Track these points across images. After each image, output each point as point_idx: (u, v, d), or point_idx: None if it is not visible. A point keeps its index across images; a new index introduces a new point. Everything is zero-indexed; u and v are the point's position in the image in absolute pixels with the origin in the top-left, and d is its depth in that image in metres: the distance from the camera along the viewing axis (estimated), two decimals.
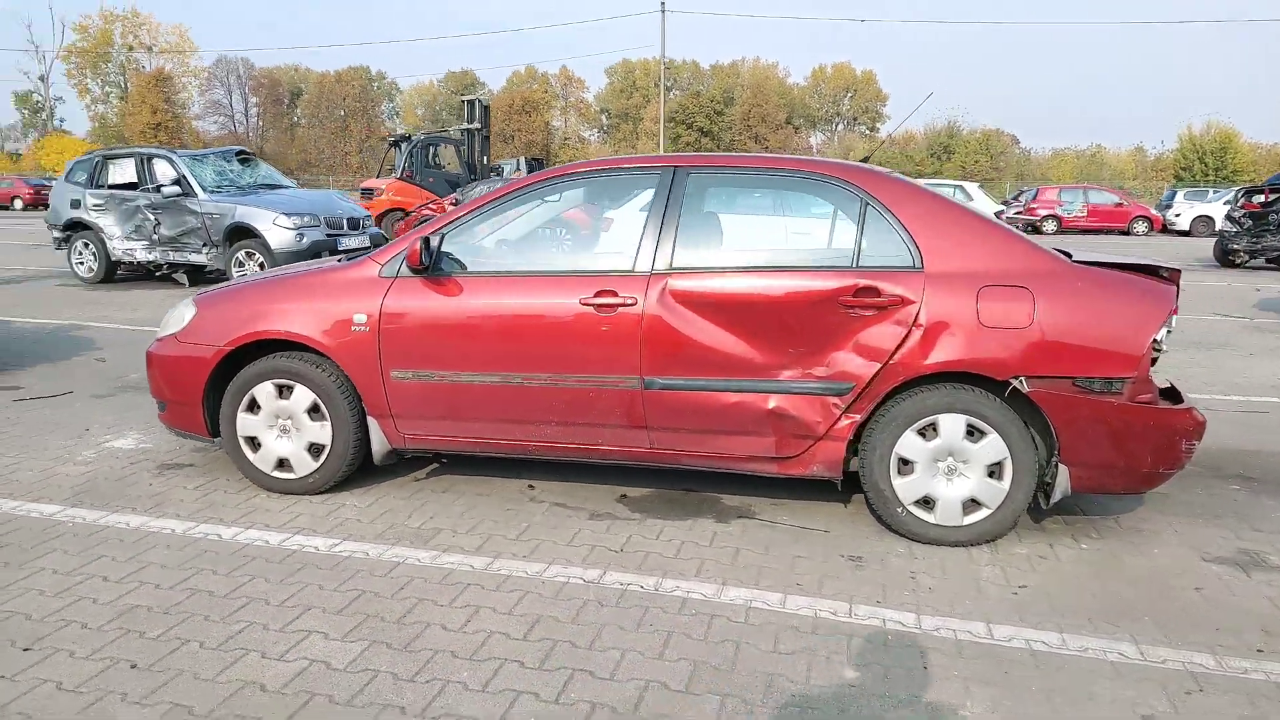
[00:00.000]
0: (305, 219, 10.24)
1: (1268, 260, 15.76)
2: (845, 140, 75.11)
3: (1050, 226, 28.10)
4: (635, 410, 3.61)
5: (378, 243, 9.33)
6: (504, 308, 3.65)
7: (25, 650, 2.62)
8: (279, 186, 11.50)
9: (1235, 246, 15.62)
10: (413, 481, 4.15)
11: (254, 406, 3.87)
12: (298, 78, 77.98)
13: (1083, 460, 3.42)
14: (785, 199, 4.00)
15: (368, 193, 18.47)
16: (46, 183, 36.02)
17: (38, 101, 64.02)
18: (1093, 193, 30.24)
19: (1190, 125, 49.36)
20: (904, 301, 3.40)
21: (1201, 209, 27.76)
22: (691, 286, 3.53)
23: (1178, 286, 3.52)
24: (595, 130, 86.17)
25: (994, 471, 3.45)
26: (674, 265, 3.59)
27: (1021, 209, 28.85)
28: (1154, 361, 3.74)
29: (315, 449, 3.85)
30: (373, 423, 3.83)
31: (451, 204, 13.34)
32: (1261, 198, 15.30)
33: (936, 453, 3.47)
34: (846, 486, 3.82)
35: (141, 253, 10.94)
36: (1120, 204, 29.60)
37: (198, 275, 11.36)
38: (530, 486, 4.11)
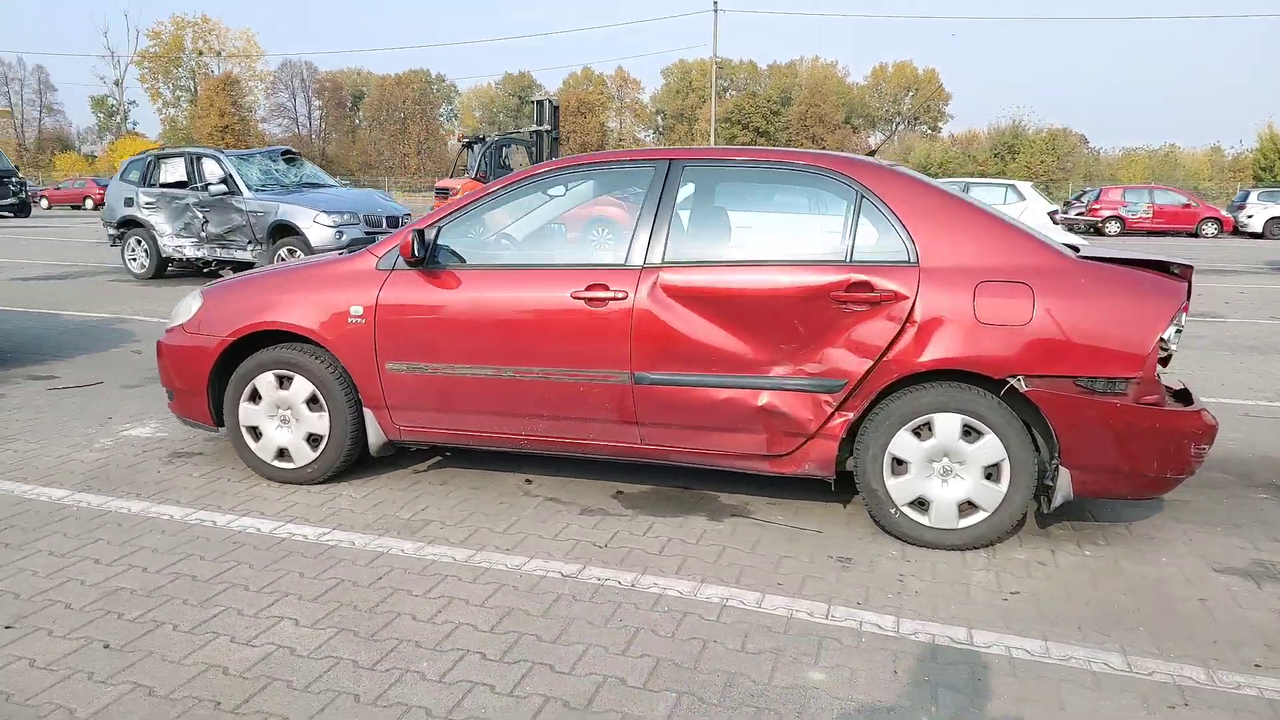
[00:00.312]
0: (345, 217, 10.42)
1: None
2: (905, 140, 74.05)
3: (1114, 228, 27.28)
4: (626, 405, 3.58)
5: None
6: (497, 301, 3.65)
7: (6, 628, 2.70)
8: (322, 185, 11.73)
9: None
10: (412, 474, 4.18)
11: (255, 396, 3.94)
12: (360, 81, 79.56)
13: (1085, 463, 3.30)
14: (780, 192, 3.93)
15: (443, 192, 18.73)
16: None
17: (112, 105, 66.37)
18: (1158, 193, 29.25)
19: (1271, 124, 47.43)
20: (897, 297, 3.31)
21: (1276, 210, 26.67)
22: (683, 280, 3.49)
23: (1189, 284, 3.37)
24: (651, 131, 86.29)
25: (991, 473, 3.35)
26: (666, 259, 3.55)
27: (1083, 210, 28.07)
28: (1165, 361, 3.60)
29: (314, 439, 3.91)
30: (369, 414, 3.87)
31: None
32: None
33: (931, 453, 3.37)
34: (845, 487, 3.75)
35: (190, 249, 11.25)
36: (1188, 205, 28.58)
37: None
38: (528, 481, 4.11)
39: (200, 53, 69.72)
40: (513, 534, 3.49)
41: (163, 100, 70.73)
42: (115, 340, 7.44)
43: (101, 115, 70.68)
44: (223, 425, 4.06)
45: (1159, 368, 3.75)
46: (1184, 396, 3.50)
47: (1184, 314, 3.32)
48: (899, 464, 3.42)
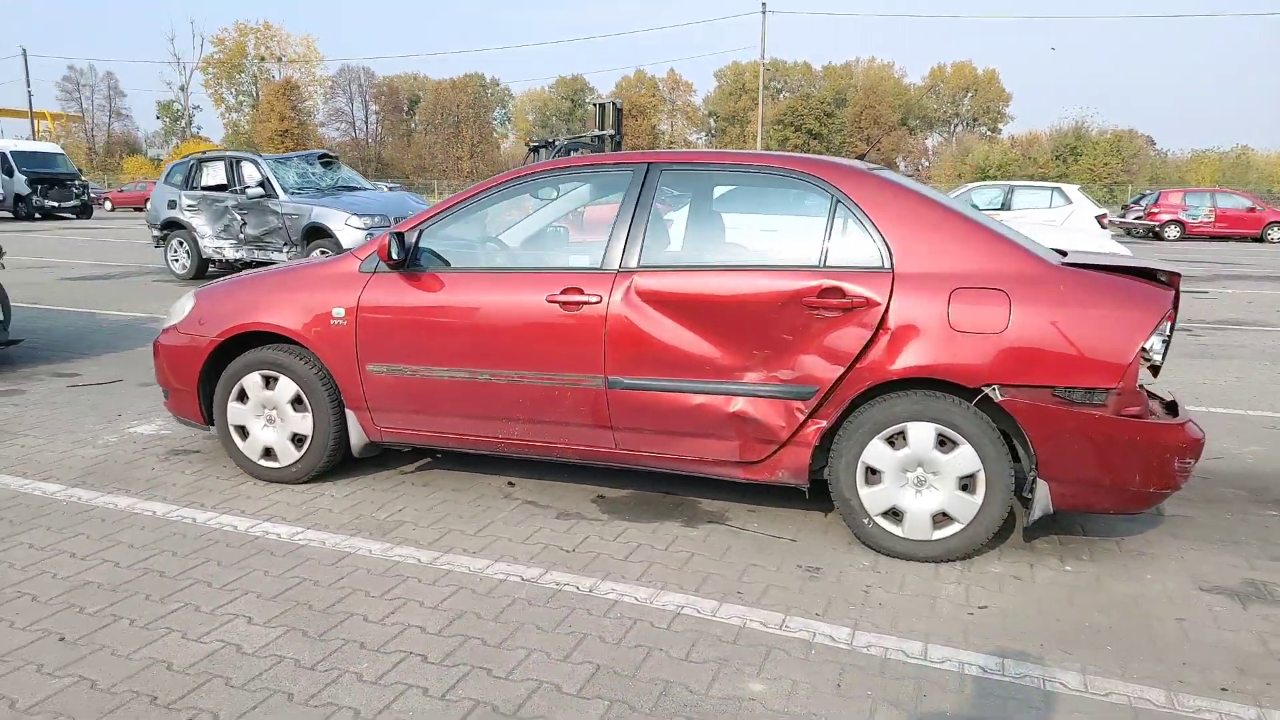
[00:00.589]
0: (375, 219, 10.57)
1: None
2: (964, 141, 72.83)
3: (1173, 232, 26.47)
4: (600, 410, 3.57)
5: None
6: (474, 304, 3.67)
7: None
8: (357, 189, 11.92)
9: None
10: (398, 475, 4.22)
11: (243, 396, 4.01)
12: (416, 85, 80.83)
13: (1064, 476, 3.20)
14: (758, 196, 3.88)
15: None
16: None
17: (178, 110, 68.41)
18: (1221, 196, 28.27)
19: None
20: (869, 303, 3.25)
21: None
22: (656, 285, 3.47)
23: (1177, 291, 3.25)
24: (703, 133, 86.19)
25: (966, 485, 3.26)
26: (642, 263, 3.53)
27: (1141, 214, 27.29)
28: (1156, 370, 3.49)
29: (298, 439, 3.96)
30: (351, 415, 3.92)
31: None
32: None
33: (905, 462, 3.30)
34: (826, 496, 3.68)
35: (229, 251, 11.52)
36: (1253, 209, 27.57)
37: None
38: (510, 484, 4.12)
39: (262, 58, 71.50)
40: (483, 536, 3.50)
41: (226, 105, 72.75)
42: (144, 339, 7.64)
43: (167, 120, 72.90)
44: (213, 424, 4.14)
45: (1151, 378, 3.64)
46: (1172, 408, 3.38)
47: (1169, 323, 3.20)
48: (873, 473, 3.35)
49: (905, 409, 3.27)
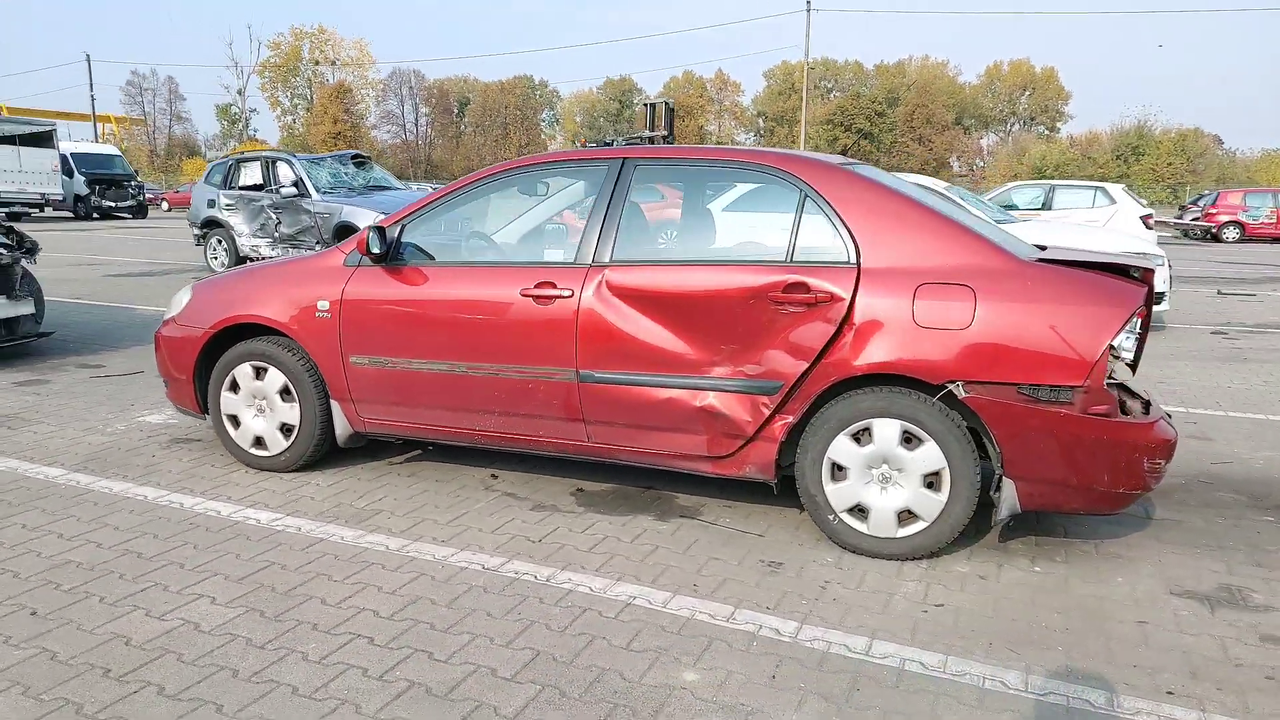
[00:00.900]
0: None
1: None
2: (1021, 141, 71.50)
3: (1232, 234, 25.70)
4: (572, 403, 3.61)
5: None
6: (452, 297, 3.73)
7: None
8: (388, 188, 12.14)
9: None
10: (386, 465, 4.31)
11: (235, 386, 4.13)
12: (466, 88, 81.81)
13: (1030, 475, 3.16)
14: (730, 191, 3.89)
15: None
16: None
17: (235, 113, 70.04)
18: None
19: None
20: (833, 298, 3.24)
21: None
22: (627, 279, 3.50)
23: (1150, 288, 3.19)
24: (751, 133, 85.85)
25: (932, 482, 3.24)
26: (614, 258, 3.57)
27: (1199, 215, 26.54)
28: (1134, 366, 3.43)
29: (286, 429, 4.07)
30: (335, 406, 4.02)
31: None
32: None
33: (870, 459, 3.29)
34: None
35: (265, 249, 11.81)
36: None
37: None
38: (494, 476, 4.19)
39: (316, 62, 72.98)
40: (454, 526, 3.56)
41: (281, 108, 74.44)
42: None
43: (225, 123, 74.72)
44: (208, 413, 4.27)
45: (1130, 375, 3.58)
46: (1145, 407, 3.31)
47: (1140, 320, 3.14)
48: (838, 470, 3.34)
49: (870, 405, 3.26)
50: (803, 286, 3.28)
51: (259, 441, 4.13)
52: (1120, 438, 3.06)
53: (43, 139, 24.49)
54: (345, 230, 10.94)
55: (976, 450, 3.24)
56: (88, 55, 51.48)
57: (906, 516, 3.29)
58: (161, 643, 2.63)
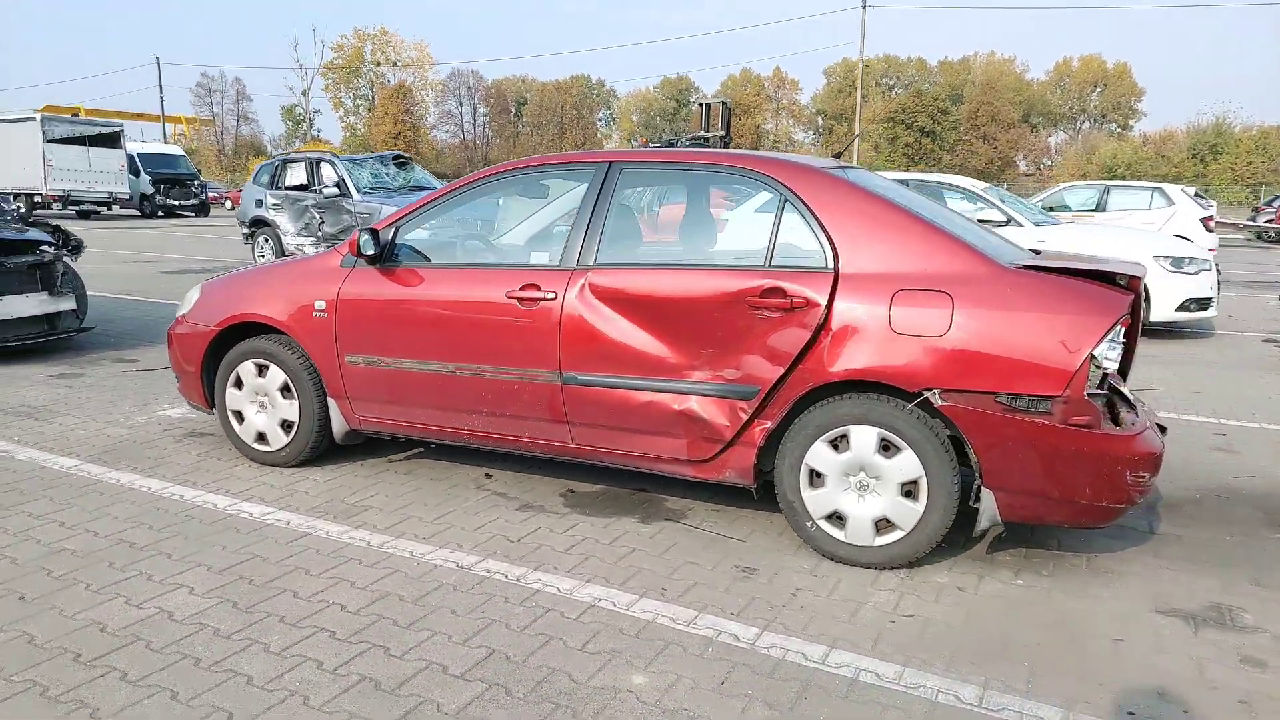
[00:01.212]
0: None
1: None
2: (1091, 139, 69.69)
3: None
4: (556, 405, 3.64)
5: None
6: (441, 299, 3.79)
7: None
8: (428, 188, 12.32)
9: None
10: (385, 463, 4.39)
11: (239, 383, 4.25)
12: (524, 88, 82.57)
13: (1010, 486, 3.10)
14: (715, 194, 3.87)
15: None
16: None
17: (299, 114, 71.76)
18: None
19: None
20: (809, 304, 3.22)
21: None
22: (608, 282, 3.52)
23: (1137, 295, 3.10)
24: (810, 132, 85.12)
25: (910, 491, 3.19)
26: (598, 261, 3.58)
27: (1272, 216, 25.58)
28: (1124, 374, 3.34)
29: (286, 425, 4.18)
30: (332, 404, 4.10)
31: None
32: None
33: (847, 466, 3.25)
34: None
35: (309, 247, 12.08)
36: None
37: None
38: (488, 475, 4.24)
39: (378, 63, 74.31)
40: (437, 524, 3.62)
41: (344, 109, 75.94)
42: None
43: (290, 123, 76.65)
44: (215, 408, 4.40)
45: (1122, 384, 3.48)
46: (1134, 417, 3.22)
47: (1124, 329, 3.05)
48: (816, 476, 3.31)
49: (848, 412, 3.23)
50: (779, 291, 3.26)
51: (261, 437, 4.24)
52: (1101, 450, 2.98)
53: (110, 139, 25.42)
54: None
55: (958, 460, 3.18)
56: (157, 58, 53.12)
57: (884, 525, 3.24)
58: (134, 630, 2.73)
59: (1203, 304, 8.61)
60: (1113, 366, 3.04)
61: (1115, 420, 3.21)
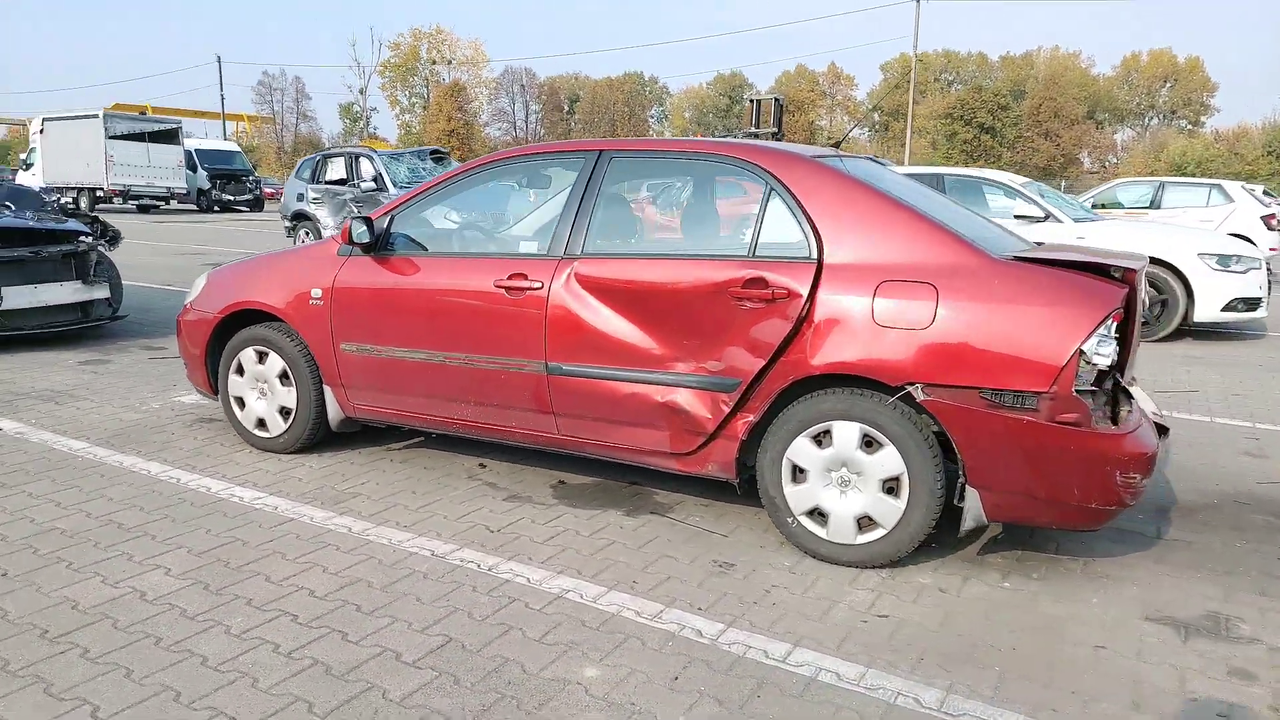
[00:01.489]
0: None
1: None
2: (1160, 136, 67.67)
3: None
4: (542, 395, 3.62)
5: None
6: (431, 287, 3.79)
7: None
8: None
9: None
10: (383, 451, 4.41)
11: (241, 369, 4.31)
12: (576, 85, 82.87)
13: (995, 485, 2.99)
14: (703, 183, 3.81)
15: None
16: None
17: (357, 112, 72.91)
18: None
19: None
20: (791, 295, 3.14)
21: None
22: (594, 272, 3.48)
23: (1132, 288, 2.97)
24: (866, 128, 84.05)
25: (892, 488, 3.11)
26: (585, 250, 3.55)
27: None
28: (1121, 371, 3.20)
29: (285, 411, 4.22)
30: (328, 391, 4.14)
31: None
32: None
33: (829, 462, 3.18)
34: None
35: None
36: None
37: None
38: (481, 465, 4.23)
39: (433, 61, 75.22)
40: (422, 513, 3.62)
41: (400, 107, 77.04)
42: None
43: (348, 121, 77.88)
44: (218, 394, 4.47)
45: (1133, 381, 3.35)
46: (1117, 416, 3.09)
47: (1116, 323, 2.92)
48: (799, 472, 3.24)
49: (831, 407, 3.15)
50: (761, 282, 3.19)
51: (261, 423, 4.30)
52: (1089, 449, 2.86)
53: (169, 136, 26.11)
54: None
55: (944, 457, 3.09)
56: (218, 57, 54.52)
57: (866, 523, 3.16)
58: (104, 609, 2.77)
59: (1251, 304, 8.27)
60: (1104, 362, 2.91)
61: (1115, 420, 3.09)
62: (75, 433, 4.59)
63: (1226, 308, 8.19)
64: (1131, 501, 2.93)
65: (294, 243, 13.17)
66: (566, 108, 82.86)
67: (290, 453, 4.28)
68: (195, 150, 28.44)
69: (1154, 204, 16.03)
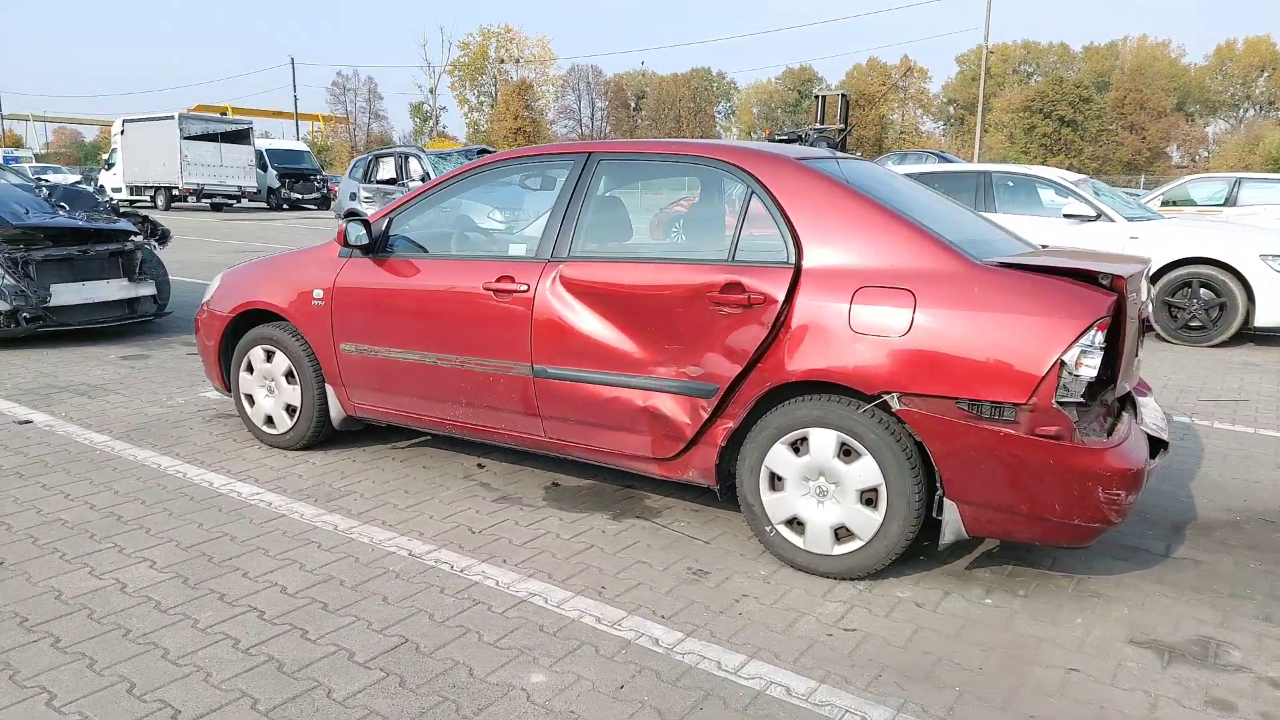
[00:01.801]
0: None
1: None
2: (1255, 128, 64.76)
3: None
4: (528, 397, 3.63)
5: None
6: (424, 289, 3.83)
7: None
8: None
9: None
10: (387, 449, 4.48)
11: (250, 368, 4.42)
12: (643, 81, 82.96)
13: (973, 499, 2.90)
14: (689, 185, 3.76)
15: None
16: None
17: (427, 111, 74.33)
18: None
19: None
20: (768, 300, 3.09)
21: None
22: (578, 275, 3.48)
23: (1121, 296, 2.84)
24: (941, 122, 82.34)
25: (871, 499, 3.03)
26: (571, 253, 3.55)
27: None
28: (1113, 383, 3.08)
29: (290, 409, 4.32)
30: (330, 390, 4.22)
31: None
32: None
33: (807, 470, 3.12)
34: None
35: None
36: None
37: None
38: (479, 466, 4.27)
39: (502, 60, 76.13)
40: (409, 511, 3.67)
41: (469, 105, 78.19)
42: None
43: (418, 120, 79.44)
44: (230, 391, 4.60)
45: (1145, 391, 3.22)
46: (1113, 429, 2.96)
47: (1100, 332, 2.80)
48: (777, 479, 3.19)
49: (808, 414, 3.09)
50: (738, 287, 3.15)
51: (269, 420, 4.40)
52: (1070, 463, 2.75)
53: (241, 136, 26.95)
54: None
55: (924, 469, 3.00)
56: (291, 58, 56.05)
57: (843, 533, 3.09)
58: (84, 599, 2.87)
59: None
60: (1089, 374, 2.79)
61: (1110, 432, 2.97)
62: (100, 426, 4.76)
63: None
64: (1117, 519, 2.81)
65: None
66: (633, 104, 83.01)
67: (297, 449, 4.38)
68: (266, 150, 29.31)
69: (1229, 201, 15.33)
